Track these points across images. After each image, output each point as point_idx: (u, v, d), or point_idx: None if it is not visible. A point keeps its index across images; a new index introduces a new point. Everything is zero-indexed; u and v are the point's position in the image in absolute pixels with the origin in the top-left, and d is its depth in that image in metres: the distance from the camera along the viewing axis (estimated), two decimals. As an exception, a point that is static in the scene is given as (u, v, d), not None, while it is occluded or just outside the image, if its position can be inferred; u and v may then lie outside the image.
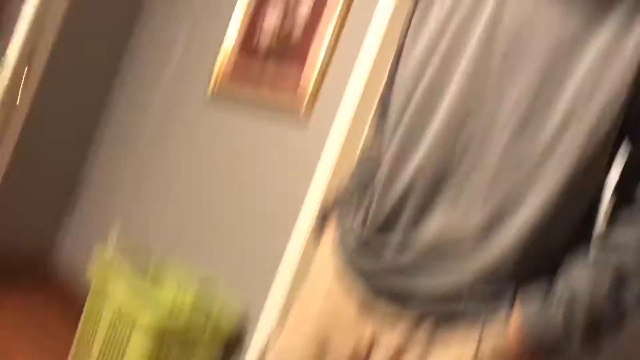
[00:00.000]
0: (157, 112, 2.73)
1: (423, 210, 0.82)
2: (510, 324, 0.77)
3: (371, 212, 0.88)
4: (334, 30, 2.05)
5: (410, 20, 0.93)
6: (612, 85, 0.73)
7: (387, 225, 0.85)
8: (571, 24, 0.75)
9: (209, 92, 2.46)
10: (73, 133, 2.91)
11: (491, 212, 0.78)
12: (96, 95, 2.94)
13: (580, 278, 0.75)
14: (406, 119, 0.85)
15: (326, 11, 2.12)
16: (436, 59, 0.83)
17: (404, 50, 0.91)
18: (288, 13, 2.28)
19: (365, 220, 0.89)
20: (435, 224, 0.81)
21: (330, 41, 2.05)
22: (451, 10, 0.84)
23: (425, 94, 0.83)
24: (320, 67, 2.05)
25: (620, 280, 0.74)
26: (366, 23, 1.92)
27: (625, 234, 0.76)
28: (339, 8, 2.05)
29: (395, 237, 0.84)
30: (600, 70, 0.73)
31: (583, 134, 0.74)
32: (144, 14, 2.97)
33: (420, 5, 0.91)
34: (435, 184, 0.81)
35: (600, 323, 0.74)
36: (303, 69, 2.11)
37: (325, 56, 2.05)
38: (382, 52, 1.86)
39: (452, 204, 0.80)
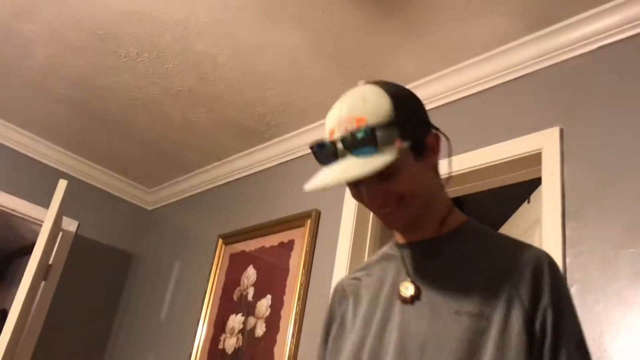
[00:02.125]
0: None
1: None
2: None
3: None
4: (295, 324, 2.22)
5: (326, 334, 1.06)
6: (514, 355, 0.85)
7: None
8: (466, 330, 0.87)
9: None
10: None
11: None
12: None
13: None
14: None
15: (285, 308, 2.32)
16: None
17: None
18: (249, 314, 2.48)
19: None
20: None
21: (293, 334, 2.21)
22: (365, 324, 0.97)
23: None
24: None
25: None
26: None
27: None
28: (295, 306, 2.25)
29: None
30: (501, 353, 0.85)
31: None
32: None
33: (335, 324, 1.05)
34: None
35: None
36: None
37: (290, 348, 2.19)
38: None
39: None
